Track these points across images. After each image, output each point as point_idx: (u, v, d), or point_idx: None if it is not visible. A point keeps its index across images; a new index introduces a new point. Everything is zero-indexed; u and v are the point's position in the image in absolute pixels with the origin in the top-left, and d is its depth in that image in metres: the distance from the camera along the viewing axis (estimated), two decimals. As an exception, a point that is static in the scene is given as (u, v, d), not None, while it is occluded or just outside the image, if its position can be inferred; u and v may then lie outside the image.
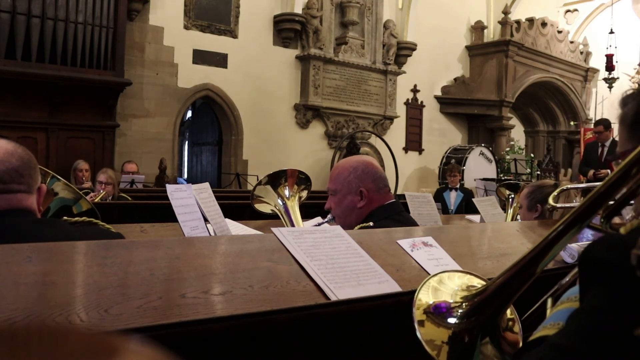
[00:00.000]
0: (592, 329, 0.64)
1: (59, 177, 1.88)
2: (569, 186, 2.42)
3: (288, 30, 9.34)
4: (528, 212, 2.70)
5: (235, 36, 8.95)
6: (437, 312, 0.90)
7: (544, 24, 12.88)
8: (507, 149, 12.11)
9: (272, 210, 2.47)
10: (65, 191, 1.88)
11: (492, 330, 0.90)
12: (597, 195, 0.78)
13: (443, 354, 0.86)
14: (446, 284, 0.96)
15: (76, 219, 1.61)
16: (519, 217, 3.00)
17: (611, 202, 0.86)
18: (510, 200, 3.35)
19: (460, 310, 0.90)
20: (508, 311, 0.95)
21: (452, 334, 0.88)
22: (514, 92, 12.16)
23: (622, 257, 0.65)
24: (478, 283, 0.98)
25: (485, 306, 0.89)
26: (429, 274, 1.41)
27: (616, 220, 1.02)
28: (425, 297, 0.92)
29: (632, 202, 0.85)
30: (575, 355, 0.63)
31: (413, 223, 2.23)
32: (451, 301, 0.92)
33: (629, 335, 0.60)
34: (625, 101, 0.85)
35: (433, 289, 0.94)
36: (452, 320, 0.89)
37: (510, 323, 0.95)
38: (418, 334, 0.87)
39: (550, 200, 2.08)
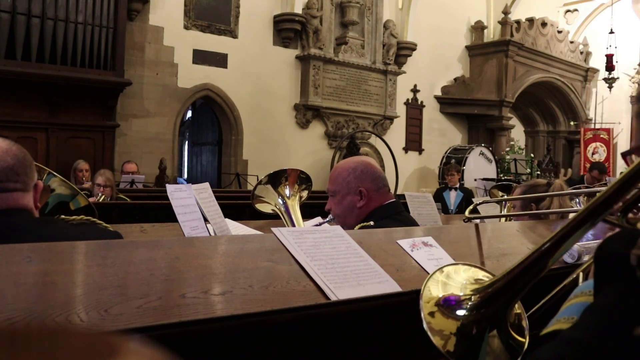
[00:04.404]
0: (607, 324, 0.64)
1: (55, 173, 1.88)
2: (482, 199, 2.46)
3: (288, 30, 9.34)
4: (522, 212, 2.70)
5: (235, 36, 8.95)
6: (447, 305, 0.92)
7: (544, 24, 12.88)
8: (507, 149, 12.10)
9: (272, 210, 2.47)
10: (62, 187, 1.88)
11: (500, 323, 0.91)
12: (614, 189, 0.77)
13: (450, 345, 0.87)
14: (454, 278, 0.97)
15: (74, 217, 1.61)
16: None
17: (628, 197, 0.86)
18: (504, 201, 3.36)
19: (470, 303, 0.91)
20: (516, 306, 0.96)
21: (461, 325, 0.89)
22: (514, 92, 12.16)
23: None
24: (483, 276, 0.99)
25: (495, 298, 0.90)
26: (429, 274, 1.41)
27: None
28: (435, 290, 0.94)
29: None
30: (590, 349, 0.63)
31: (413, 223, 2.23)
32: (461, 294, 0.93)
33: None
34: None
35: (442, 283, 0.95)
36: (461, 312, 0.91)
37: (518, 318, 0.96)
38: (424, 324, 0.89)
39: (466, 213, 2.10)
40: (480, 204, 2.50)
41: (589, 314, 0.69)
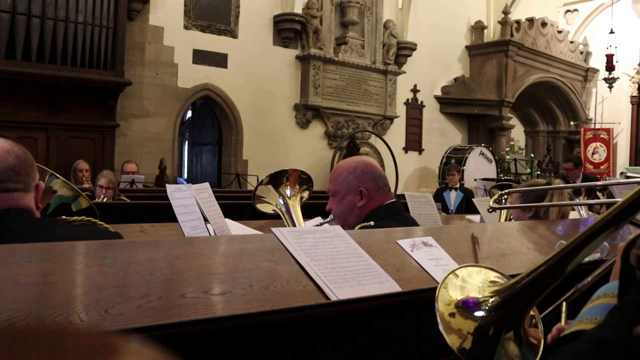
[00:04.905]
0: (633, 324, 0.63)
1: (57, 174, 1.88)
2: (513, 190, 2.47)
3: (288, 30, 9.34)
4: (522, 212, 2.69)
5: (235, 36, 8.95)
6: (465, 307, 0.94)
7: (544, 24, 12.87)
8: (507, 149, 12.10)
9: (273, 210, 2.47)
10: (64, 189, 1.89)
11: (516, 325, 0.93)
12: None
13: (467, 344, 0.89)
14: (469, 282, 0.99)
15: (74, 218, 1.61)
16: (511, 217, 3.01)
17: None
18: (503, 201, 3.36)
19: (488, 304, 0.93)
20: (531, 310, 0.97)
21: (478, 325, 0.91)
22: (514, 92, 12.16)
23: None
24: (495, 277, 1.01)
25: (514, 301, 0.91)
26: (429, 274, 1.41)
27: None
28: (454, 293, 0.96)
29: None
30: (615, 349, 0.63)
31: (413, 223, 2.23)
32: (480, 296, 0.95)
33: None
34: None
35: (460, 287, 0.97)
36: (479, 314, 0.93)
37: (534, 321, 0.98)
38: (440, 325, 0.90)
39: (491, 203, 2.11)
40: (508, 192, 2.49)
41: (615, 314, 0.68)
